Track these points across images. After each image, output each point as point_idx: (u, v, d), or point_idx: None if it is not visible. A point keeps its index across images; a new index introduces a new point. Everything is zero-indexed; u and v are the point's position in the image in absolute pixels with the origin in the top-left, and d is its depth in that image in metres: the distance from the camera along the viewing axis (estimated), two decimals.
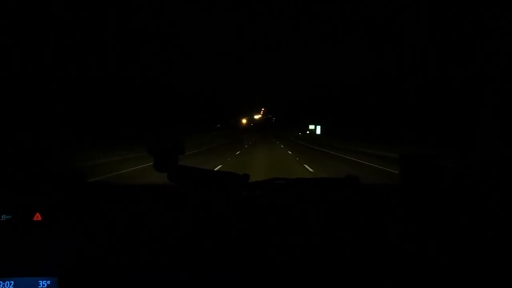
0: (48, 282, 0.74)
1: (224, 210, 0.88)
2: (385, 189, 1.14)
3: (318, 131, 40.35)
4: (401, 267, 0.73)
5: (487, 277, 0.70)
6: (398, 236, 0.78)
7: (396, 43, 17.71)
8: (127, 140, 12.79)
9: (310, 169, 7.61)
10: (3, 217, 0.81)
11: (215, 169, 5.71)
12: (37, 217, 0.81)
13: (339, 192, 1.03)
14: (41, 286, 0.75)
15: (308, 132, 44.55)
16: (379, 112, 19.86)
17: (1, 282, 0.74)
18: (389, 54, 19.29)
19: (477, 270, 0.71)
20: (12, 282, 0.75)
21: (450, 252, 0.74)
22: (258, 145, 23.38)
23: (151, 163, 1.00)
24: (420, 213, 0.87)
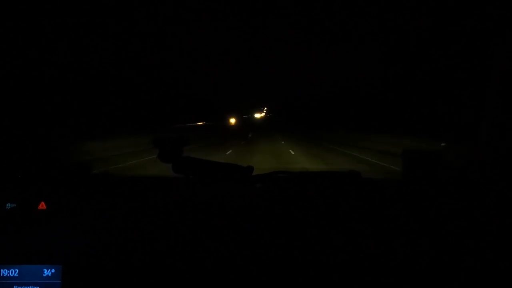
0: (53, 270, 0.74)
1: (227, 208, 0.87)
2: (387, 184, 1.13)
3: None
4: (402, 265, 0.71)
5: (488, 276, 0.69)
6: (399, 232, 0.77)
7: (399, 40, 17.66)
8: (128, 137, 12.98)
9: None
10: (8, 205, 0.80)
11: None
12: (42, 206, 0.81)
13: (341, 186, 1.03)
14: (45, 274, 0.74)
15: None
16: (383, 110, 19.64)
17: (6, 269, 0.74)
18: (390, 53, 19.22)
19: (478, 269, 0.70)
20: (17, 269, 0.75)
21: (451, 251, 0.72)
22: None
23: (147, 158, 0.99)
24: (422, 209, 0.86)
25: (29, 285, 0.75)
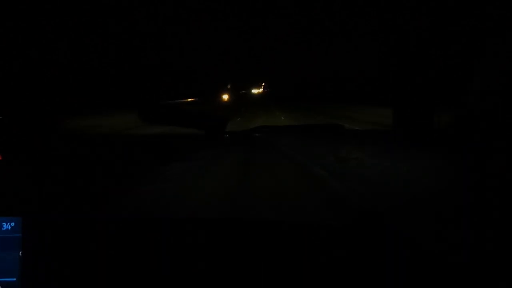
0: (12, 223, 0.71)
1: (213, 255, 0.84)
2: (374, 134, 1.11)
3: None
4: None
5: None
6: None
7: (399, 40, 17.53)
8: None
9: None
10: None
11: None
12: None
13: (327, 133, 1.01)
14: (5, 227, 0.71)
15: None
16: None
17: None
18: (390, 53, 19.09)
19: None
20: None
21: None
22: None
23: None
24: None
25: None
